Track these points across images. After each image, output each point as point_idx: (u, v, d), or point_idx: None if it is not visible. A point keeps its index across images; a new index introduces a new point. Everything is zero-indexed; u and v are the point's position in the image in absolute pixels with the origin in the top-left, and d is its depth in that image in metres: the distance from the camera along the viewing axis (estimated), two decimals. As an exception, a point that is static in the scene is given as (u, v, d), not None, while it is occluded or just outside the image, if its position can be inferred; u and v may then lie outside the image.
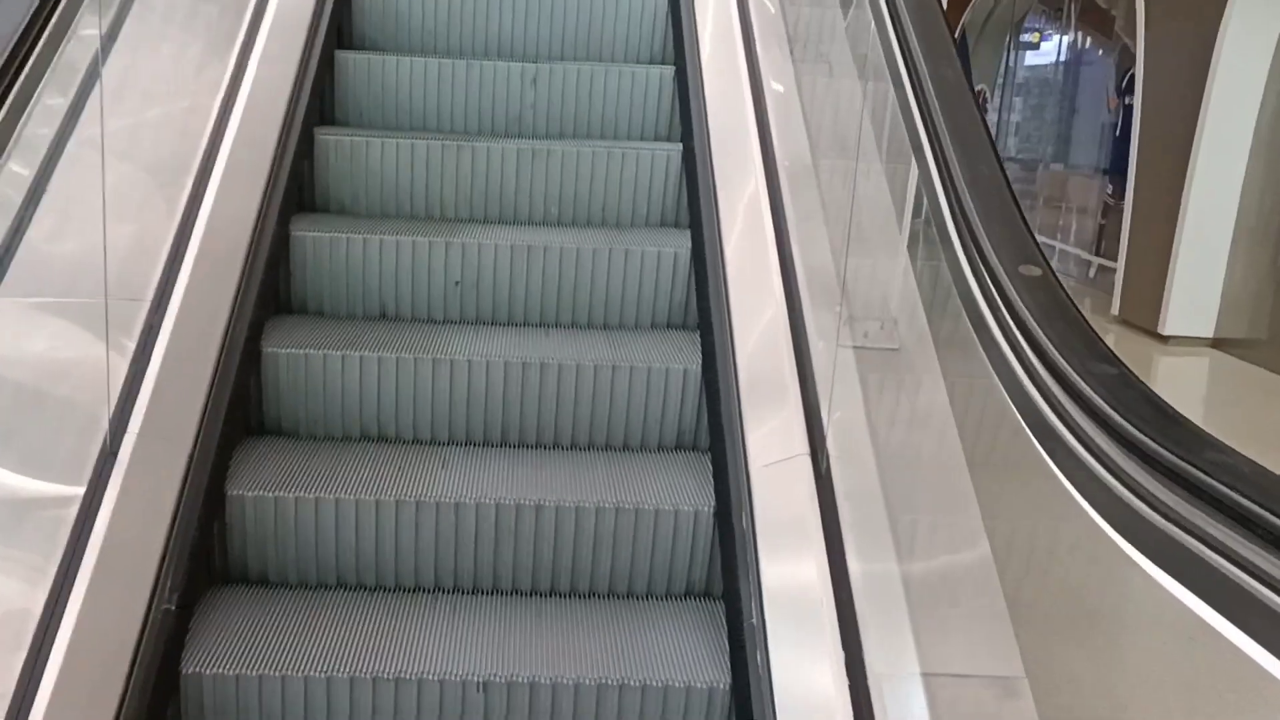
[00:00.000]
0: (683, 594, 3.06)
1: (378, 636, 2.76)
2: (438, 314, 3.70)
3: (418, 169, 4.02)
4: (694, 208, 3.86)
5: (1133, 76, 8.09)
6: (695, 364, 3.35)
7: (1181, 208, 7.16)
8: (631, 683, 2.66)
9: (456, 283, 3.68)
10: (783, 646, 2.44)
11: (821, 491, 2.54)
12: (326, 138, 4.03)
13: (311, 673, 2.60)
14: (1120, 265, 7.94)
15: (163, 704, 2.53)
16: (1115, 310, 7.84)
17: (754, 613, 2.59)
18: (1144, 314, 7.45)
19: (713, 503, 3.01)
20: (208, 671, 2.59)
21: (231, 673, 2.58)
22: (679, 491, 3.07)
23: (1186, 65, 7.17)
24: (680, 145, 4.07)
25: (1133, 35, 8.07)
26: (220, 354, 3.15)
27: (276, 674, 2.59)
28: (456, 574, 3.02)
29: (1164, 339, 7.32)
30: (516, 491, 3.02)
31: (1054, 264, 2.30)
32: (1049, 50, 11.67)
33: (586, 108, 4.32)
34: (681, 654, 2.77)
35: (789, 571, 2.56)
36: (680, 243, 3.73)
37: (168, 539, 2.69)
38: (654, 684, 2.66)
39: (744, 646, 2.63)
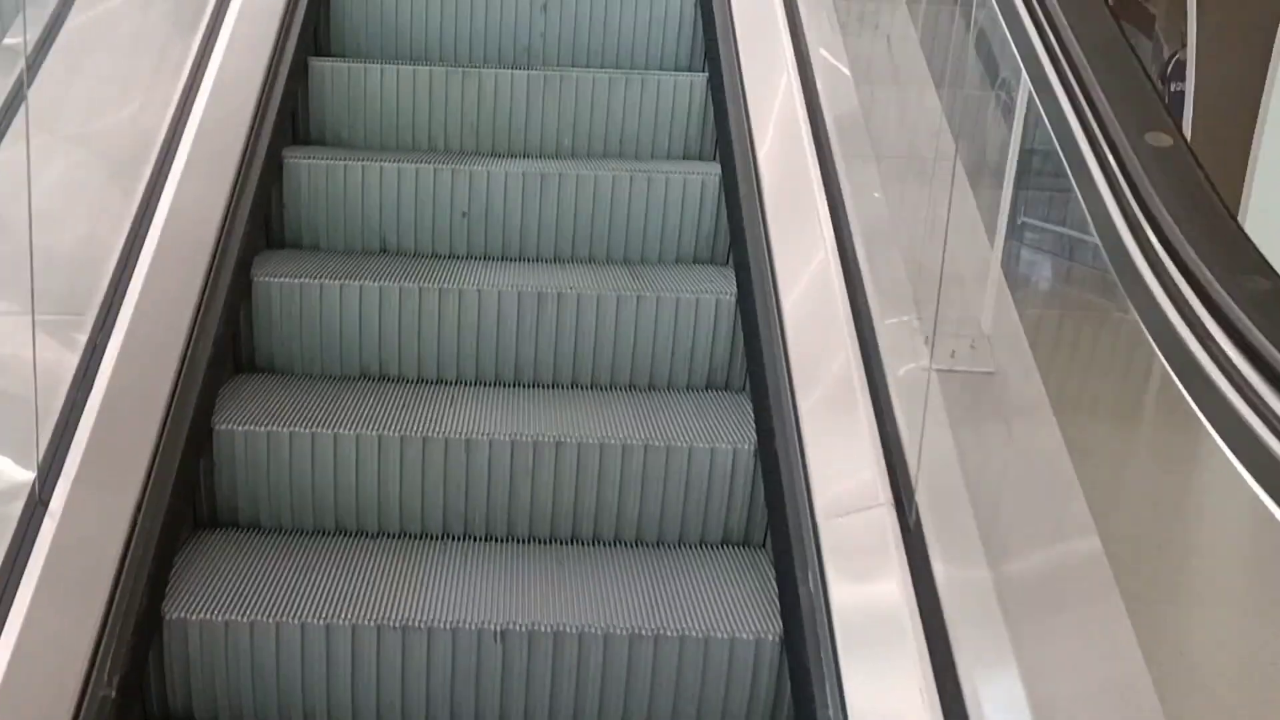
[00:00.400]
0: (720, 542, 2.76)
1: (382, 583, 2.47)
2: (443, 248, 3.40)
3: (420, 99, 3.72)
4: (723, 136, 3.57)
5: (1179, 62, 7.71)
6: (729, 293, 3.06)
7: (1243, 201, 6.75)
8: (668, 633, 2.37)
9: (464, 214, 3.39)
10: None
11: (912, 558, 2.04)
12: (322, 65, 3.74)
13: (309, 619, 2.30)
14: None
15: (144, 649, 2.24)
16: None
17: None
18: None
19: (754, 440, 2.72)
20: (193, 617, 2.29)
21: (220, 619, 2.29)
22: (715, 429, 2.78)
23: (1246, 46, 6.82)
24: (705, 73, 3.78)
25: (1180, 17, 7.71)
26: (206, 282, 2.86)
27: (270, 620, 2.30)
28: (468, 519, 2.73)
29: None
30: (533, 428, 2.73)
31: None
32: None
33: (601, 36, 4.03)
34: (723, 603, 2.47)
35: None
36: (709, 171, 3.43)
37: (146, 480, 2.39)
38: (694, 634, 2.36)
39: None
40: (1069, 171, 1.68)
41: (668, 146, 3.72)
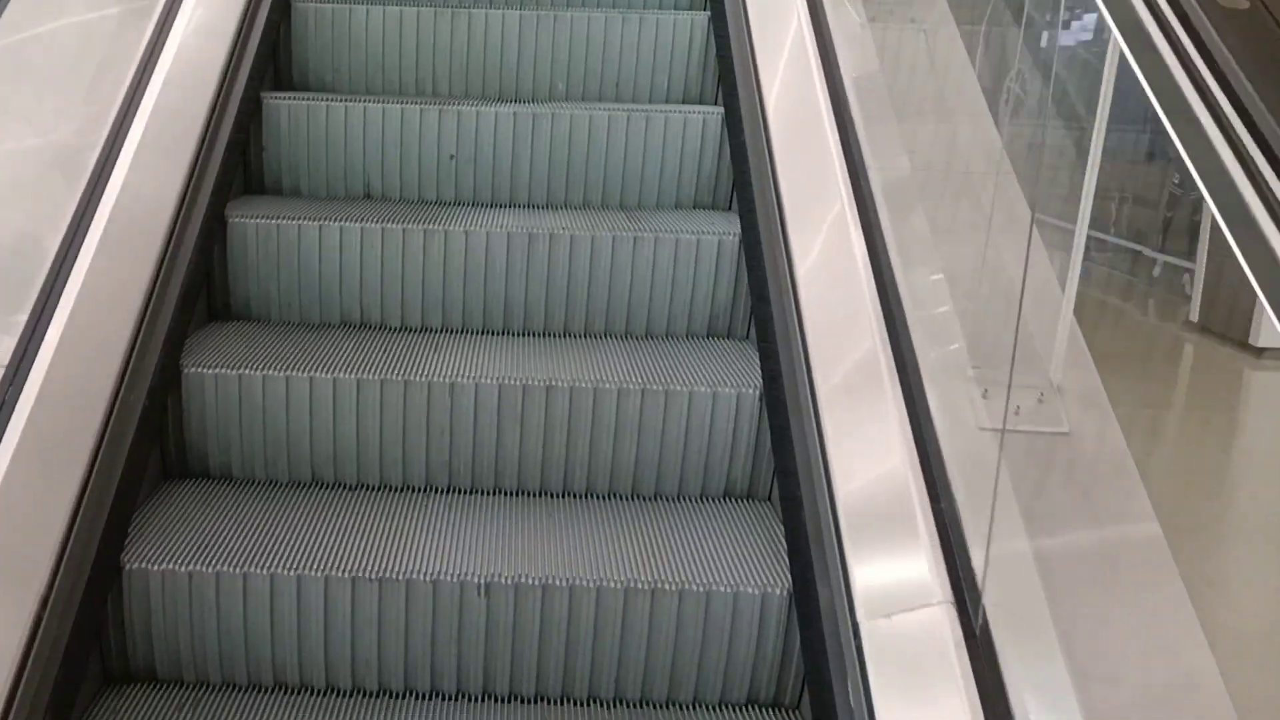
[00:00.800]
0: (722, 494, 2.59)
1: (358, 534, 2.31)
2: (430, 193, 3.23)
3: (406, 40, 3.55)
4: (726, 77, 3.39)
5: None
6: (732, 232, 2.88)
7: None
8: (666, 586, 2.20)
9: (451, 156, 3.21)
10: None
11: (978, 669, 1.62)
12: (304, 5, 3.56)
13: (279, 570, 2.14)
14: (1200, 265, 7.05)
15: (100, 598, 2.08)
16: (1194, 316, 6.89)
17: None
18: (1232, 322, 6.55)
19: (759, 384, 2.55)
20: (154, 568, 2.13)
21: (183, 569, 2.13)
22: (717, 373, 2.61)
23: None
24: (707, 12, 3.59)
25: None
26: (175, 220, 2.69)
27: (236, 570, 2.13)
28: (452, 469, 2.56)
29: (1257, 351, 6.35)
30: (522, 372, 2.57)
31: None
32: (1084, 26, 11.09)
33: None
34: (726, 555, 2.31)
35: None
36: (710, 111, 3.25)
37: (105, 423, 2.22)
38: (694, 588, 2.20)
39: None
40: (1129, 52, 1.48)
41: (667, 88, 3.54)
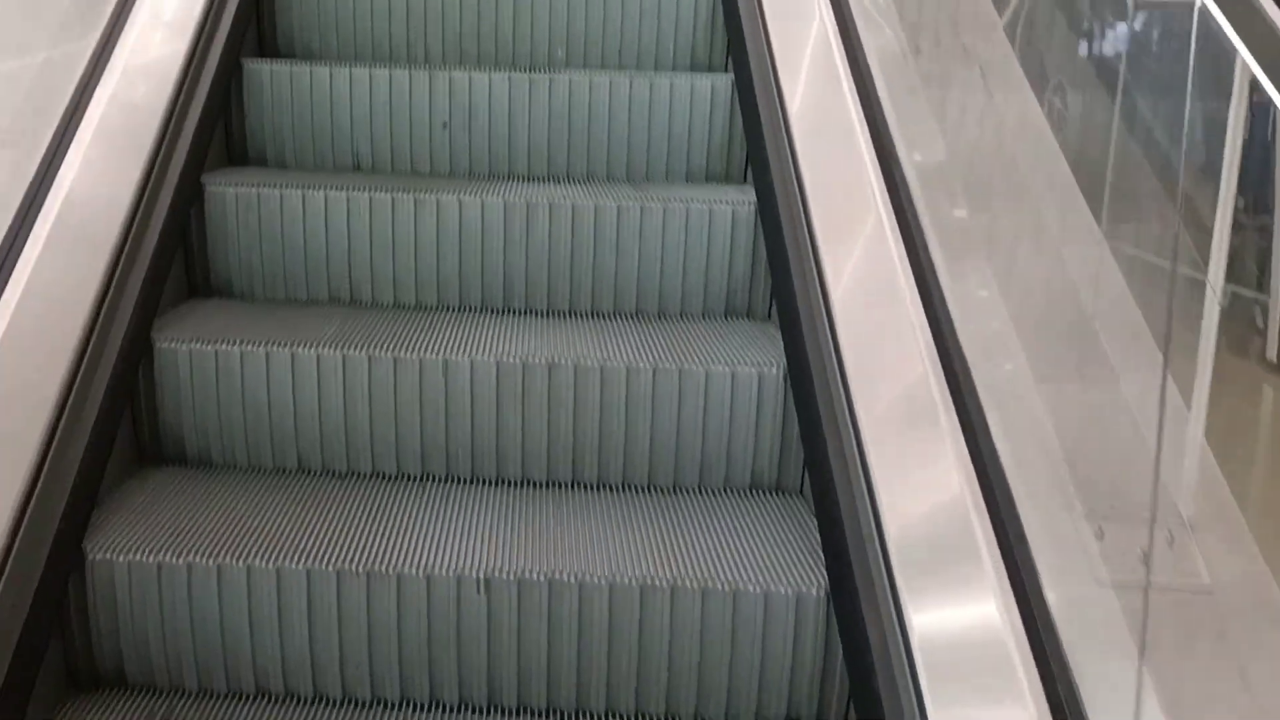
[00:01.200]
0: (748, 486, 2.38)
1: (345, 524, 2.10)
2: (423, 164, 3.02)
3: (396, 7, 3.34)
4: (735, 41, 3.19)
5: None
6: (747, 201, 2.68)
7: None
8: (687, 583, 1.99)
9: (445, 124, 3.01)
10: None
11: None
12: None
13: (256, 562, 1.93)
14: (1275, 296, 6.72)
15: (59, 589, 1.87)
16: (1273, 354, 6.47)
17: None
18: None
19: (783, 363, 2.34)
20: (120, 558, 1.92)
21: (151, 560, 1.92)
22: (735, 352, 2.41)
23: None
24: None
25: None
26: (143, 190, 2.48)
27: (210, 562, 1.92)
28: (449, 455, 2.35)
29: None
30: (522, 349, 2.36)
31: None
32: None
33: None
34: (754, 552, 2.10)
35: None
36: (719, 79, 3.05)
37: (62, 403, 2.01)
38: (718, 586, 1.99)
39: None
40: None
41: (673, 57, 3.34)
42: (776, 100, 2.80)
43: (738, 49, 3.10)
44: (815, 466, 2.17)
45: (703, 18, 3.29)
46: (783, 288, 2.48)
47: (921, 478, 1.84)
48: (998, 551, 1.55)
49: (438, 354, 2.29)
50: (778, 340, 2.48)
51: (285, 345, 2.28)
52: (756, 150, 2.83)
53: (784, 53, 2.90)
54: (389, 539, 2.06)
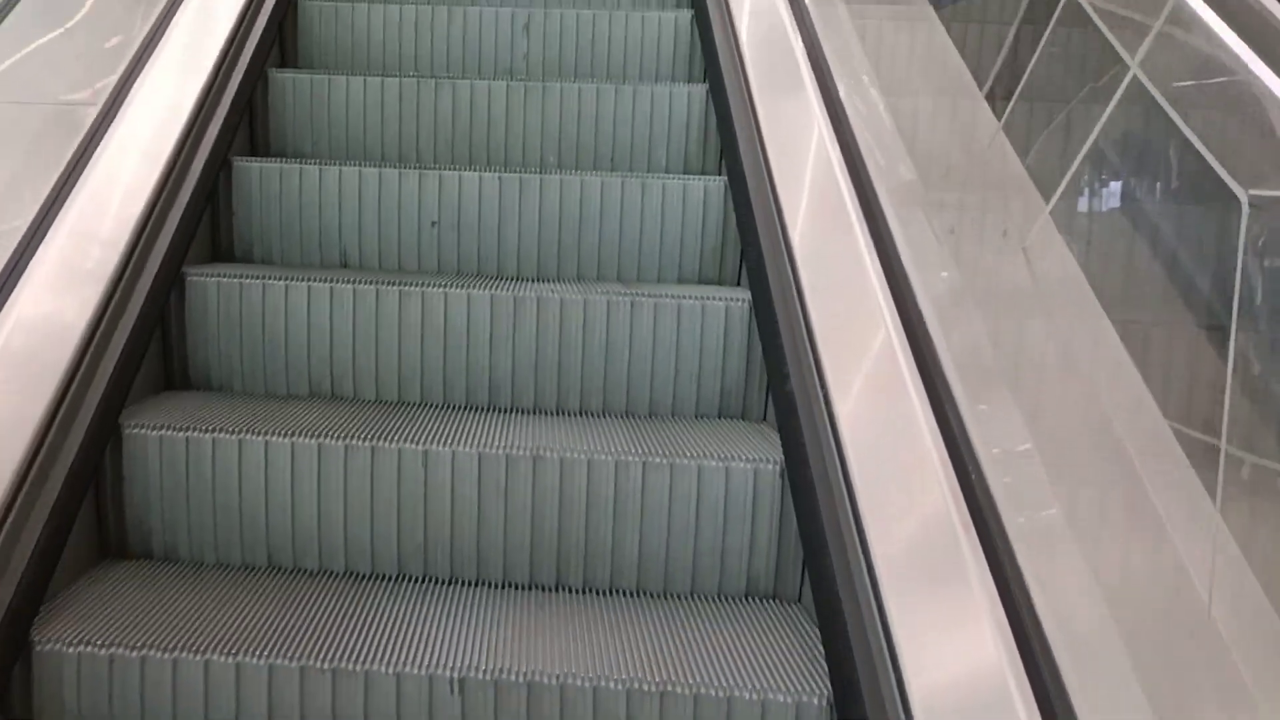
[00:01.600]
0: (743, 593, 2.26)
1: (312, 620, 1.98)
2: (411, 262, 2.97)
3: (389, 111, 3.35)
4: (729, 148, 3.17)
5: None
6: (741, 299, 2.62)
7: None
8: (678, 689, 1.86)
9: (434, 223, 2.96)
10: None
11: None
12: (283, 76, 3.37)
13: (214, 656, 1.81)
14: None
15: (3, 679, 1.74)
16: None
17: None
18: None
19: (779, 459, 2.25)
20: (70, 650, 1.80)
21: (103, 652, 1.79)
22: (729, 448, 2.31)
23: None
24: (706, 84, 3.40)
25: None
26: (120, 277, 2.41)
27: (165, 656, 1.80)
28: (427, 553, 2.24)
29: None
30: (506, 440, 2.27)
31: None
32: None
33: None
34: (750, 658, 1.98)
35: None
36: (712, 181, 3.02)
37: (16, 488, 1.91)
38: (711, 693, 1.86)
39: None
40: None
41: (665, 164, 3.33)
42: (773, 204, 2.75)
43: (730, 153, 3.08)
44: (817, 572, 2.05)
45: (695, 121, 3.29)
46: (780, 387, 2.39)
47: (936, 591, 1.73)
48: (1029, 690, 1.42)
49: (418, 444, 2.20)
50: (773, 440, 2.38)
51: (259, 433, 2.19)
52: (752, 253, 2.77)
53: (780, 157, 2.86)
54: (358, 636, 1.93)
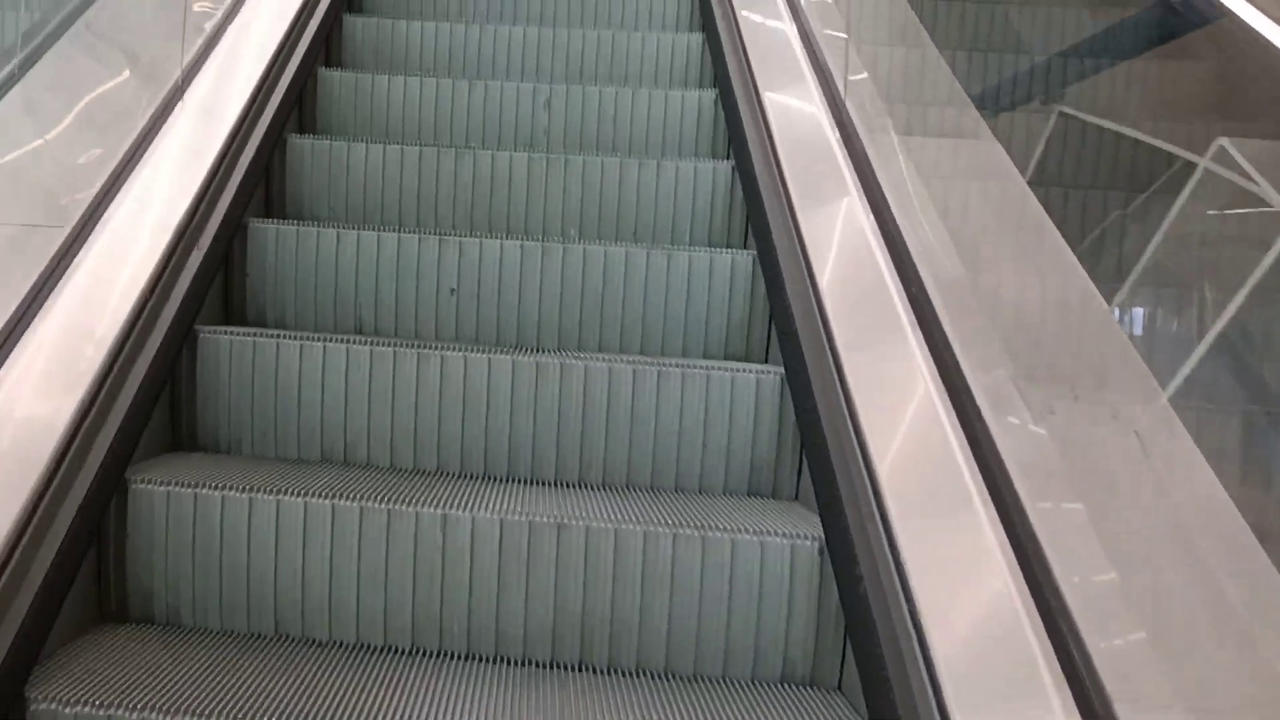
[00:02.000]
0: (778, 679, 2.12)
1: (321, 693, 1.85)
2: (428, 329, 2.89)
3: (408, 179, 3.29)
4: (757, 220, 3.11)
5: None
6: (772, 375, 2.53)
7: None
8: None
9: (452, 291, 2.89)
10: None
11: None
12: (301, 142, 3.32)
13: (219, 726, 1.68)
14: None
15: None
16: None
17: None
18: None
19: (819, 535, 2.13)
20: (66, 710, 1.67)
21: (101, 713, 1.67)
22: (763, 522, 2.20)
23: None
24: (731, 161, 3.35)
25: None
26: (131, 329, 2.32)
27: (164, 723, 1.67)
28: (443, 626, 2.11)
29: None
30: (527, 508, 2.16)
31: None
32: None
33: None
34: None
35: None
36: (737, 253, 2.95)
37: (17, 536, 1.80)
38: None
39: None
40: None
41: (689, 237, 3.26)
42: (806, 277, 2.66)
43: (759, 225, 3.01)
44: (863, 657, 1.92)
45: (720, 193, 3.23)
46: (818, 463, 2.27)
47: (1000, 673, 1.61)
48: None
49: (436, 508, 2.09)
50: (809, 517, 2.27)
51: (271, 492, 2.07)
52: (785, 326, 2.68)
53: (811, 228, 2.79)
54: (366, 711, 1.80)
